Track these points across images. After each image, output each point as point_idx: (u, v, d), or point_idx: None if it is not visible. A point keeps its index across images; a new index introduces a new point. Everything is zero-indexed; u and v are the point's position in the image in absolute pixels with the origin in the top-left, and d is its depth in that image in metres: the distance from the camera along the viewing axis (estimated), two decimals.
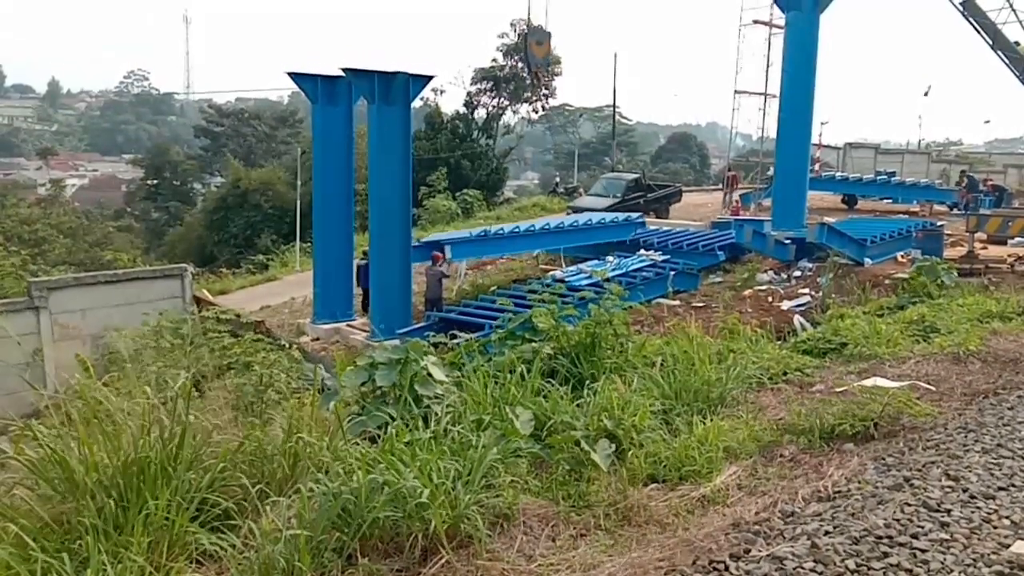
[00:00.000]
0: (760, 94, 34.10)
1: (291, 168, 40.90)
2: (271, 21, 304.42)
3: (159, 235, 58.44)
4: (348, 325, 19.46)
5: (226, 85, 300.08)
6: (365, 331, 18.47)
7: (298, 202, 32.07)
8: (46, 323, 14.15)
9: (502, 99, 53.29)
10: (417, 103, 26.66)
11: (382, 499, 4.63)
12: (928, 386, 7.85)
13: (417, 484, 4.70)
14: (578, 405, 6.79)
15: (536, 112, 56.82)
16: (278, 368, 9.35)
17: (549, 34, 21.44)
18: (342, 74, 18.68)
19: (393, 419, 6.01)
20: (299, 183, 33.07)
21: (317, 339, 18.96)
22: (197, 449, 5.29)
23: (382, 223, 18.53)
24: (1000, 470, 5.22)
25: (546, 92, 52.34)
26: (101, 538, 4.46)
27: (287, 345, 12.55)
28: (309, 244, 23.84)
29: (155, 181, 68.01)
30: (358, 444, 5.57)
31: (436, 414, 6.10)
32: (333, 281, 19.81)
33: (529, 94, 53.11)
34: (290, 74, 19.77)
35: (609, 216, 27.25)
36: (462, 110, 52.41)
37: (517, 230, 23.43)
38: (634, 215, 27.48)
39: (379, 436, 5.80)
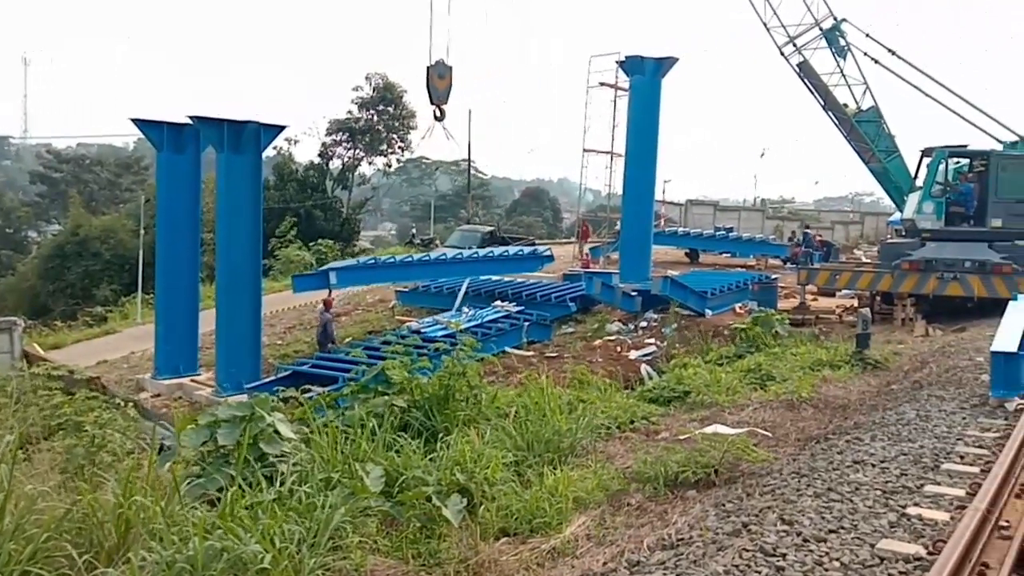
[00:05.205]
0: (607, 152, 35.37)
1: (135, 216, 39.08)
2: (118, 66, 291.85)
3: None
4: (192, 380, 18.58)
5: (67, 130, 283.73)
6: (211, 386, 17.69)
7: (141, 251, 30.62)
8: None
9: (358, 150, 53.19)
10: (270, 151, 26.15)
11: (220, 566, 4.45)
12: (765, 432, 8.25)
13: (258, 549, 4.53)
14: (431, 459, 6.74)
15: (391, 166, 56.98)
16: (112, 428, 8.81)
17: (450, 68, 21.65)
18: (190, 122, 18.14)
19: (235, 480, 5.77)
20: (142, 231, 31.66)
21: (158, 395, 17.97)
22: (19, 518, 4.91)
23: (230, 274, 17.93)
24: (831, 513, 5.50)
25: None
26: None
27: (123, 403, 11.87)
28: (151, 295, 22.71)
29: None
30: (196, 508, 5.32)
31: (282, 474, 5.91)
32: (177, 334, 18.92)
33: (389, 148, 53.33)
34: (134, 120, 19.02)
35: (513, 248, 26.29)
36: (317, 160, 51.94)
37: (410, 259, 22.31)
38: (541, 248, 26.87)
39: (219, 499, 5.56)
